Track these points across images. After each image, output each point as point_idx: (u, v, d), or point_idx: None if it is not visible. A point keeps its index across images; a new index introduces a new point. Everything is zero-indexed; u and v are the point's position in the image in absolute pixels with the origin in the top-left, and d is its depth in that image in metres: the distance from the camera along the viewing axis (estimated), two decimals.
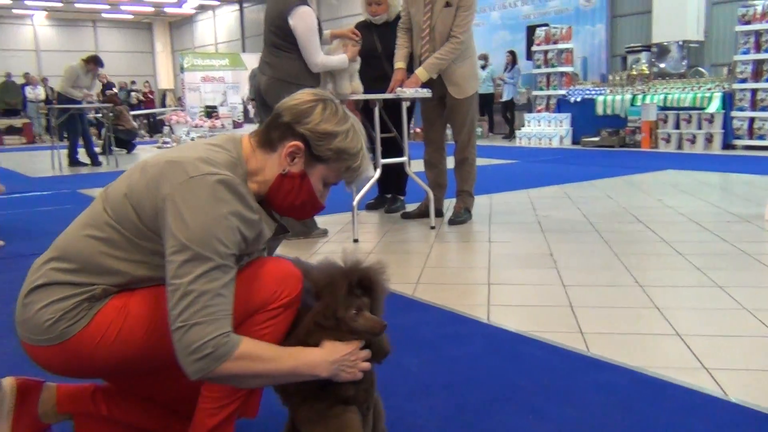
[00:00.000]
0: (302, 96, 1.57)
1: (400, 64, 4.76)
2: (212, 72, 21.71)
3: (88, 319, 1.42)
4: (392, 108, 4.78)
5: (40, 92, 19.21)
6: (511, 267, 3.59)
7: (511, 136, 14.00)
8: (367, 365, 1.50)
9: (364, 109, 4.88)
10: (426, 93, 4.53)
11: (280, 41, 4.15)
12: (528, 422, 1.86)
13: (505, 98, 14.48)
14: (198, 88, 21.76)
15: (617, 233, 4.31)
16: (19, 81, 19.71)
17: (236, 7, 27.74)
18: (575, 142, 12.07)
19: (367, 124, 4.83)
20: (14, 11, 29.04)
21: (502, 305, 2.94)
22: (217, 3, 28.33)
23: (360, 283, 1.48)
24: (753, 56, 9.97)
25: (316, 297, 1.49)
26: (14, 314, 1.49)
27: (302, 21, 4.05)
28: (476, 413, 1.92)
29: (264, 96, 4.24)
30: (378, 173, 4.58)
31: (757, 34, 9.94)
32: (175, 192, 1.39)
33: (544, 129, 12.49)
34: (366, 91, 4.58)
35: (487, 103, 15.17)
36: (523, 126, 13.16)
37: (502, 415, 1.91)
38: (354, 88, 4.45)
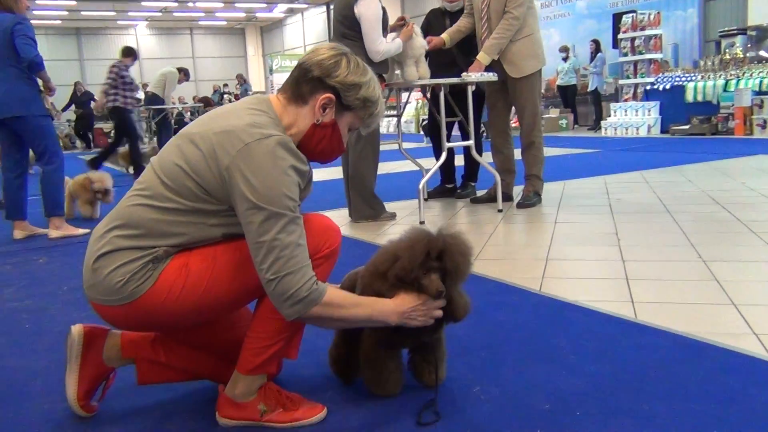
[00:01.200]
0: (325, 51, 1.70)
1: (444, 35, 4.81)
2: None
3: (154, 279, 1.58)
4: (461, 94, 4.84)
5: (141, 96, 20.33)
6: (572, 244, 3.58)
7: (596, 127, 13.65)
8: (439, 313, 1.70)
9: (432, 94, 4.96)
10: (491, 77, 4.56)
11: (347, 31, 4.29)
12: (560, 377, 1.90)
13: (590, 88, 14.15)
14: None
15: (690, 214, 4.20)
16: None
17: (323, 9, 28.35)
18: (664, 131, 11.64)
19: (434, 109, 4.92)
20: (118, 23, 30.86)
21: (557, 278, 2.96)
22: (305, 6, 29.07)
23: (438, 252, 1.66)
24: None
25: (397, 256, 1.68)
26: (83, 279, 1.65)
27: (367, 8, 4.18)
28: (510, 369, 1.98)
29: None
30: (444, 157, 4.65)
31: None
32: (236, 160, 1.54)
33: (631, 118, 12.12)
34: (436, 77, 4.67)
35: (570, 95, 14.87)
36: (609, 116, 12.80)
37: (535, 371, 1.96)
38: (421, 73, 4.54)
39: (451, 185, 5.63)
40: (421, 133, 15.90)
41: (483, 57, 4.60)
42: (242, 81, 20.72)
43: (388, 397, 1.82)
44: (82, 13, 27.14)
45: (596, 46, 13.98)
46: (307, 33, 30.36)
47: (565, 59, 14.47)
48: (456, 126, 5.37)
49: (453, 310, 1.73)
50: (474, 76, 4.51)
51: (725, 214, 4.12)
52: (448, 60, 5.10)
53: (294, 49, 30.63)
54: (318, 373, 2.04)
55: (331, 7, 27.70)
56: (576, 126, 14.88)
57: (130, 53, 8.65)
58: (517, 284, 2.88)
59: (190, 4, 27.16)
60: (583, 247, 3.52)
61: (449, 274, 1.66)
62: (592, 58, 14.02)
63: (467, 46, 5.02)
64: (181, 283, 1.59)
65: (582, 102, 14.99)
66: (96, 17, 29.03)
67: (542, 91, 16.55)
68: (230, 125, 1.59)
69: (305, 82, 1.68)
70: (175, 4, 26.76)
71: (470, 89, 4.62)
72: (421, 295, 1.66)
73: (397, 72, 4.70)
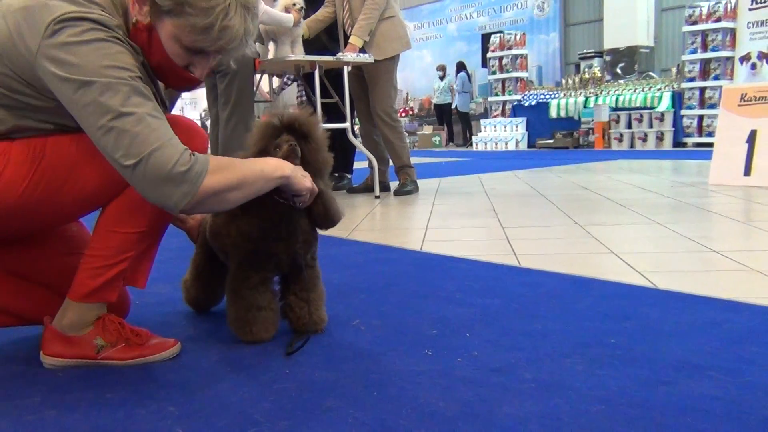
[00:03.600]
0: None
1: (303, 26, 4.55)
2: None
3: None
4: (335, 79, 4.70)
5: None
6: (452, 218, 3.49)
7: (466, 143, 14.10)
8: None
9: (306, 77, 4.78)
10: (367, 58, 4.45)
11: None
12: (447, 310, 1.73)
13: (453, 106, 14.71)
14: None
15: (563, 196, 4.26)
16: None
17: None
18: (531, 145, 12.14)
19: (308, 90, 4.74)
20: None
21: (438, 241, 2.83)
22: None
23: (288, 125, 1.47)
24: (700, 56, 10.17)
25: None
26: None
27: None
28: (392, 306, 1.80)
29: None
30: None
31: (704, 34, 10.14)
32: (45, 42, 1.21)
33: (500, 133, 12.55)
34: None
35: (444, 113, 15.26)
36: (479, 132, 13.21)
37: (419, 306, 1.78)
38: (296, 54, 4.34)
39: (336, 174, 5.31)
40: None
41: (355, 39, 4.48)
42: None
43: (255, 343, 1.50)
44: None
45: (458, 67, 14.49)
46: None
47: (441, 78, 14.82)
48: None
49: (324, 202, 1.52)
50: (350, 56, 4.37)
51: (595, 196, 4.21)
52: (318, 47, 4.93)
53: None
54: (174, 310, 1.77)
55: None
56: (450, 144, 15.24)
57: None
58: (398, 246, 2.73)
59: None
60: (463, 219, 3.44)
61: (305, 139, 1.48)
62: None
63: (335, 33, 4.90)
64: None
65: (457, 120, 15.41)
66: None
67: (415, 110, 16.90)
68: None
69: None
70: None
71: (346, 71, 4.48)
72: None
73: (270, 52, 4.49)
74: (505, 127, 12.56)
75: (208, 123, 15.26)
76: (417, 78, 17.21)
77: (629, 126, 10.66)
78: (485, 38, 14.22)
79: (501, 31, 13.64)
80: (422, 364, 1.33)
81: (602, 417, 1.05)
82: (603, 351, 1.37)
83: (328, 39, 4.98)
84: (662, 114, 10.30)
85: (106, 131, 1.19)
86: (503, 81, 13.14)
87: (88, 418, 1.13)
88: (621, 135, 10.69)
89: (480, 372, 1.27)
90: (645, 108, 10.56)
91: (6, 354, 1.51)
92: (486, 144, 12.66)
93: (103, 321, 1.42)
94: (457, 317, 1.65)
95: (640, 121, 10.52)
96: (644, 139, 10.42)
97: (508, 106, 13.00)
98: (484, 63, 14.17)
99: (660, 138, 10.31)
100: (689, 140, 10.26)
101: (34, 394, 1.25)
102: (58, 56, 1.20)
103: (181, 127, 1.39)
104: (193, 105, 20.12)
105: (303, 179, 1.42)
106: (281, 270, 1.56)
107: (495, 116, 13.21)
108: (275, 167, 1.37)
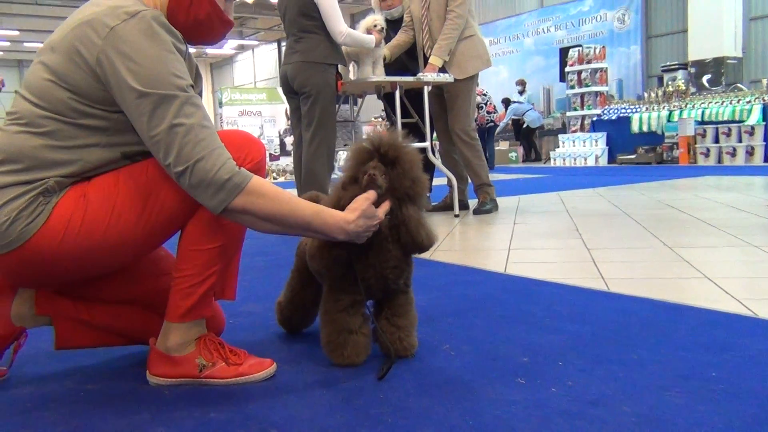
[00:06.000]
0: None
1: (385, 50, 4.64)
2: (249, 106, 22.13)
3: (47, 214, 1.33)
4: (415, 98, 4.74)
5: None
6: (534, 238, 3.45)
7: (535, 159, 14.02)
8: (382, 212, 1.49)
9: (387, 97, 4.84)
10: (447, 78, 4.47)
11: (307, 22, 4.06)
12: (536, 335, 1.72)
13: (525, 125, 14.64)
14: (235, 123, 22.20)
15: (648, 215, 4.14)
16: None
17: (274, 46, 28.36)
18: (611, 161, 11.83)
19: (389, 111, 4.80)
20: None
21: (521, 262, 2.81)
22: (256, 43, 29.03)
23: (377, 149, 1.51)
24: None
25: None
26: None
27: None
28: (481, 331, 1.80)
29: (292, 81, 4.17)
30: None
31: None
32: (106, 48, 1.31)
33: (579, 149, 12.29)
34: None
35: (520, 129, 15.06)
36: (557, 147, 12.99)
37: (508, 331, 1.78)
38: (377, 75, 4.41)
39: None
40: None
41: (436, 60, 4.51)
42: None
43: (346, 366, 1.53)
44: (25, 44, 26.47)
45: (505, 104, 14.51)
46: (258, 69, 30.27)
47: (521, 93, 14.66)
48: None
49: (410, 230, 1.53)
50: (430, 76, 4.41)
51: (684, 216, 4.07)
52: (398, 67, 4.99)
53: (244, 85, 30.46)
54: (266, 330, 1.82)
55: (283, 44, 27.77)
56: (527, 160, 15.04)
57: None
58: (481, 267, 2.72)
59: None
60: (546, 239, 3.40)
61: (392, 164, 1.50)
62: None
63: (415, 52, 4.95)
64: (80, 216, 1.34)
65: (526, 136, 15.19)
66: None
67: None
68: (90, 13, 1.36)
69: None
70: None
71: (426, 90, 4.52)
72: (368, 197, 1.46)
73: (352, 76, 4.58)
74: (584, 142, 12.30)
75: (286, 140, 15.49)
76: (493, 94, 17.05)
77: (716, 140, 10.24)
78: (563, 52, 14.00)
79: (580, 45, 13.39)
80: (516, 393, 1.33)
81: None
82: (704, 384, 1.33)
83: (407, 58, 5.04)
84: (752, 127, 9.86)
85: (158, 140, 1.31)
86: (582, 95, 12.89)
87: None
88: (708, 150, 10.29)
89: (576, 403, 1.25)
90: (733, 121, 10.13)
91: (114, 370, 1.60)
92: (564, 160, 12.43)
93: (204, 341, 1.49)
94: (548, 344, 1.64)
95: (729, 135, 10.10)
96: (733, 154, 9.99)
97: (587, 121, 12.73)
98: (562, 77, 13.94)
99: (750, 153, 9.86)
100: None
101: (143, 411, 1.32)
102: (123, 61, 1.31)
103: (236, 141, 1.46)
104: (272, 123, 20.64)
105: (362, 237, 1.46)
106: (372, 296, 1.59)
107: (573, 131, 12.96)
108: (331, 229, 1.41)
